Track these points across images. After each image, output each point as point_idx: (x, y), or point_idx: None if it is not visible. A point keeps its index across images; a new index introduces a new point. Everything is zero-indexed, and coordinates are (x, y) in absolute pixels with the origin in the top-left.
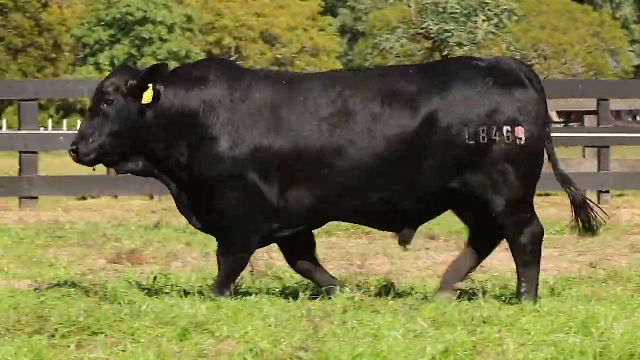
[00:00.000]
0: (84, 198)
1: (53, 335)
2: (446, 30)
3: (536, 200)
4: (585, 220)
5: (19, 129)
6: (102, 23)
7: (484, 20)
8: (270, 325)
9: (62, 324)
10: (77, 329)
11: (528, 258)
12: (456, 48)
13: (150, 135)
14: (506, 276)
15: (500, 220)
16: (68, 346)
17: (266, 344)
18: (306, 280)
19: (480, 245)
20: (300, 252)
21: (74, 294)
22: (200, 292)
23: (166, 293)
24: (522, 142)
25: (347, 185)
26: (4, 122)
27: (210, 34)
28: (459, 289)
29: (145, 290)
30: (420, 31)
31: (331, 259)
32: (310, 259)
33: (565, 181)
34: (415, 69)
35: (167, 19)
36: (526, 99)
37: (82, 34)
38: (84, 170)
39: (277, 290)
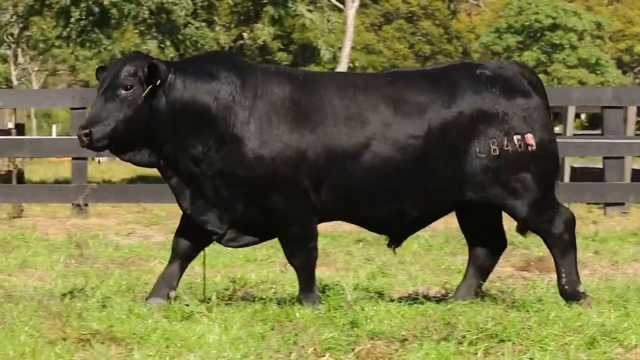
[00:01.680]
0: None
1: (461, 342)
2: None
3: None
4: None
5: None
6: (512, 30)
7: None
8: None
9: (469, 331)
10: (484, 336)
11: (565, 246)
12: None
13: (161, 125)
14: None
15: (529, 224)
16: (475, 353)
17: None
18: None
19: (482, 263)
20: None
21: (481, 301)
22: (610, 301)
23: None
24: (534, 148)
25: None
26: None
27: (621, 41)
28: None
29: (553, 298)
30: None
31: None
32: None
33: None
34: (422, 76)
35: (577, 26)
36: (532, 106)
37: (490, 41)
38: None
39: None
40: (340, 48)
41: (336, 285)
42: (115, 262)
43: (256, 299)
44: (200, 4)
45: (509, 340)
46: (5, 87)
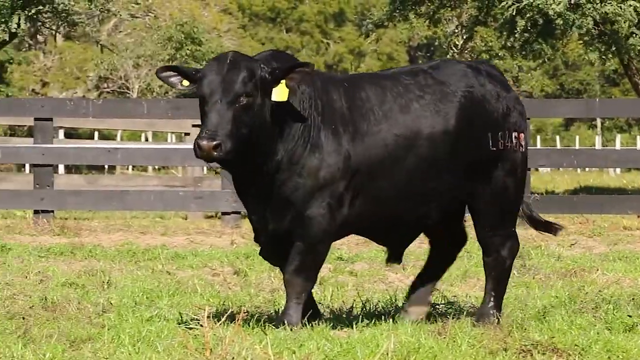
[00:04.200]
0: None
1: None
2: None
3: None
4: (546, 228)
5: None
6: None
7: None
8: None
9: None
10: None
11: (503, 273)
12: None
13: (262, 132)
14: None
15: (488, 232)
16: None
17: None
18: None
19: (441, 259)
20: None
21: None
22: None
23: None
24: (523, 149)
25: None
26: None
27: None
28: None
29: None
30: None
31: None
32: None
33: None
34: (424, 71)
35: None
36: (521, 105)
37: None
38: None
39: None
40: None
41: None
42: (557, 273)
43: None
44: None
45: None
46: None
